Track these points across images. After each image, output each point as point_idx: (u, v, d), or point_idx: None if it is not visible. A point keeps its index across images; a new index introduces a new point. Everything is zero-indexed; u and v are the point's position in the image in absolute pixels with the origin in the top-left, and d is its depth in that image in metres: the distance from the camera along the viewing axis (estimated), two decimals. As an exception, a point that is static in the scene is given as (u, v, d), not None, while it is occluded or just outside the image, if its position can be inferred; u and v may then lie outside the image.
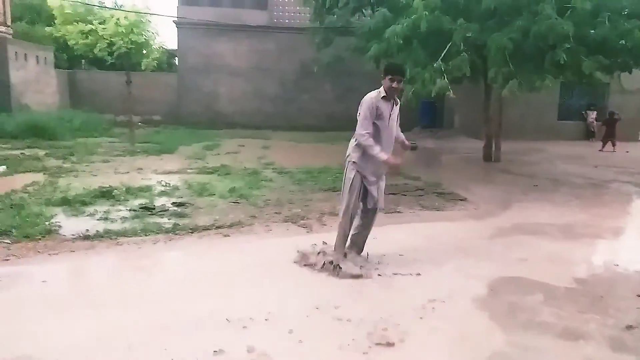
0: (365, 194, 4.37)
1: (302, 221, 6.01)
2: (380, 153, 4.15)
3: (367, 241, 4.61)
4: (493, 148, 12.09)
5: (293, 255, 4.61)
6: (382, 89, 4.24)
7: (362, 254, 4.59)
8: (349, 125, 21.21)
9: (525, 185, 8.88)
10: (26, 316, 3.37)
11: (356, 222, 4.50)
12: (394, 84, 4.17)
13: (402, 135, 4.63)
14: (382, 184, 4.48)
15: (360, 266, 4.34)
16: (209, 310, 3.45)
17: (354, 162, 4.31)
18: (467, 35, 8.97)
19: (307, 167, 9.91)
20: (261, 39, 20.73)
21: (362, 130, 4.18)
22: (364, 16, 13.89)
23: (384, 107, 4.23)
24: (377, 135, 4.22)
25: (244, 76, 20.76)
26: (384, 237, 5.16)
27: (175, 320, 3.30)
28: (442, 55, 9.03)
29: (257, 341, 3.05)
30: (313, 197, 7.32)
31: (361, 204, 4.43)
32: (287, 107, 20.92)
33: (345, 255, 4.38)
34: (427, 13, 8.79)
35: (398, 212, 6.65)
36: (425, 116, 19.87)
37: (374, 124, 4.21)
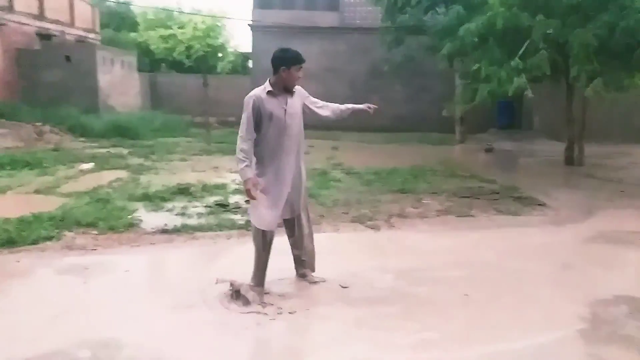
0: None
1: (369, 222, 5.98)
2: (243, 170, 3.49)
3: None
4: (576, 151, 11.42)
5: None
6: (267, 83, 3.63)
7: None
8: (420, 125, 21.06)
9: (611, 191, 8.30)
10: (112, 302, 3.61)
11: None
12: (300, 73, 3.63)
13: (339, 106, 4.08)
14: (296, 189, 3.77)
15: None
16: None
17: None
18: (547, 31, 8.56)
19: (375, 168, 9.85)
20: (332, 40, 20.86)
21: (240, 142, 3.53)
22: (437, 14, 13.59)
23: (274, 104, 3.57)
24: (273, 140, 3.59)
25: (315, 77, 20.90)
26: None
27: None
28: (520, 53, 8.66)
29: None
30: (381, 198, 7.26)
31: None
32: (357, 108, 20.89)
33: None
34: (503, 10, 8.48)
35: (471, 216, 6.45)
36: (502, 117, 19.13)
37: (264, 126, 3.57)
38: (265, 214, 3.63)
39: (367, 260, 4.70)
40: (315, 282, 3.96)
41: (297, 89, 3.75)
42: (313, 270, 4.04)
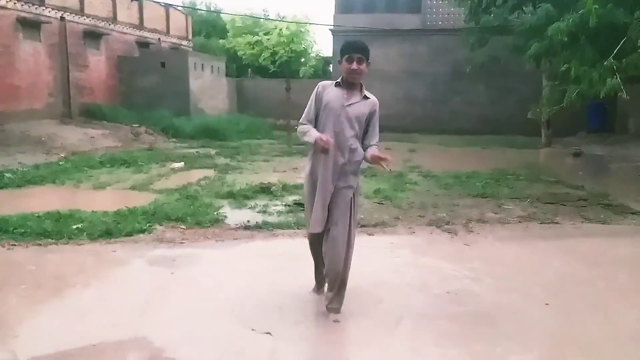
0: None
1: (446, 226, 5.92)
2: (315, 132, 3.24)
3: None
4: (677, 156, 10.53)
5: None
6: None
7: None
8: (504, 128, 20.40)
9: None
10: (196, 292, 3.90)
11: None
12: (353, 65, 3.25)
13: (374, 146, 3.40)
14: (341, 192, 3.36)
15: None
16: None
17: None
18: (646, 28, 7.99)
19: (455, 171, 9.68)
20: (413, 42, 20.67)
21: (301, 119, 3.40)
22: (524, 13, 13.10)
23: (336, 94, 3.32)
24: (319, 130, 3.31)
25: (394, 80, 20.87)
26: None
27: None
28: (615, 52, 8.15)
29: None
30: (460, 203, 7.15)
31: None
32: (437, 110, 20.55)
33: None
34: (597, 7, 8.02)
35: (555, 223, 6.18)
36: (593, 120, 17.92)
37: (322, 115, 3.35)
38: (308, 216, 3.48)
39: (443, 264, 4.68)
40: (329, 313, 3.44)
41: (372, 100, 3.40)
42: (333, 308, 3.44)
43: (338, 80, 3.39)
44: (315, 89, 3.43)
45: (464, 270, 4.47)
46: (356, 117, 3.31)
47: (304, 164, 3.57)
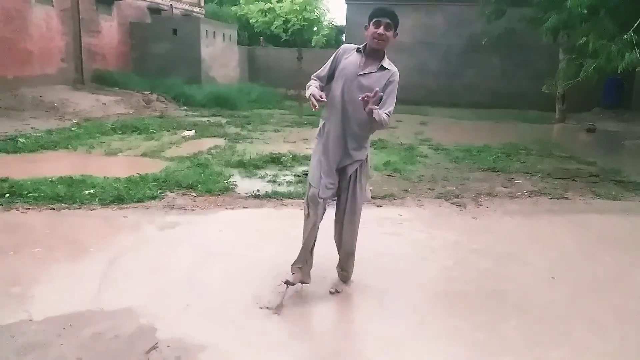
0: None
1: (455, 199, 5.92)
2: (311, 88, 3.11)
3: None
4: (694, 134, 10.36)
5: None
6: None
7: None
8: (518, 102, 20.13)
9: None
10: (205, 257, 3.97)
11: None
12: (380, 29, 3.11)
13: (381, 113, 3.07)
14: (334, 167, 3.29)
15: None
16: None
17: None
18: (671, 1, 7.77)
19: (466, 145, 9.62)
20: (428, 13, 20.23)
21: (314, 75, 3.30)
22: (544, -16, 12.74)
23: (354, 60, 3.21)
24: (331, 96, 3.21)
25: (408, 51, 20.51)
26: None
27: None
28: (635, 26, 7.94)
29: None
30: (470, 176, 7.13)
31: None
32: (450, 82, 20.25)
33: None
34: (619, -22, 7.79)
35: (565, 198, 6.16)
36: (609, 95, 17.59)
37: (336, 79, 3.24)
38: (314, 176, 3.31)
39: (450, 236, 4.71)
40: (332, 292, 3.44)
41: (392, 71, 3.24)
42: (343, 278, 3.54)
43: (360, 46, 3.25)
44: (337, 50, 3.32)
45: (471, 244, 4.50)
46: (368, 87, 3.08)
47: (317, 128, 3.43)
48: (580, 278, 3.84)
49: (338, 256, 3.53)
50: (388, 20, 3.14)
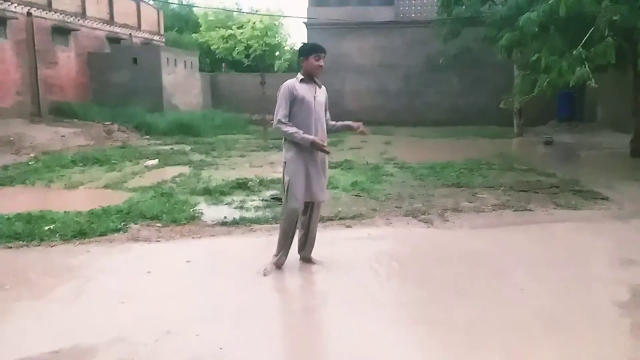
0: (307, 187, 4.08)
1: (423, 216, 5.99)
2: (304, 135, 3.94)
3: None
4: (643, 143, 10.82)
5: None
6: (299, 74, 4.13)
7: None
8: (477, 118, 20.59)
9: (682, 185, 7.84)
10: (173, 290, 3.86)
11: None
12: (321, 62, 4.07)
13: (331, 122, 4.39)
14: (324, 174, 4.21)
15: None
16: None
17: (285, 162, 4.11)
18: (614, 18, 8.15)
19: (430, 162, 9.78)
20: (387, 35, 20.73)
21: (278, 117, 4.01)
22: (495, 4, 13.25)
23: (305, 90, 4.06)
24: (302, 121, 4.01)
25: (369, 73, 20.93)
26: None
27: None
28: (583, 41, 8.31)
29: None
30: (435, 193, 7.23)
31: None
32: (411, 102, 20.70)
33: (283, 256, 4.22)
34: (566, -4, 8.15)
35: (528, 210, 6.30)
36: (563, 109, 18.32)
37: (295, 109, 4.02)
38: (299, 193, 4.03)
39: (418, 252, 4.73)
40: (316, 263, 4.34)
41: (324, 88, 4.26)
42: (310, 253, 4.41)
43: (302, 77, 4.08)
44: (285, 89, 4.03)
45: (437, 257, 4.54)
46: (322, 103, 4.19)
47: (284, 153, 4.13)
48: (548, 287, 3.89)
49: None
50: (324, 54, 4.09)
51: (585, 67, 8.10)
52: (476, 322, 3.31)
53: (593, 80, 8.17)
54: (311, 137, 3.96)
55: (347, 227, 5.55)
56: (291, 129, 3.97)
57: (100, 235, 5.13)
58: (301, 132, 3.96)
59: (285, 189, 4.09)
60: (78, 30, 17.68)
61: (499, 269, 4.31)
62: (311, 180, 4.05)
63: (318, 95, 4.13)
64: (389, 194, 7.09)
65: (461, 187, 7.63)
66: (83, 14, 18.18)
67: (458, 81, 20.06)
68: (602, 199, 6.84)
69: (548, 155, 12.13)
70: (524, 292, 3.79)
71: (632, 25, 8.23)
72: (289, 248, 4.24)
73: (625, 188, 7.55)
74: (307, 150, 4.01)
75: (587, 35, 8.35)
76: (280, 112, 4.00)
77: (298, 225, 4.19)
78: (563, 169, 9.41)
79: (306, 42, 4.17)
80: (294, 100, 4.01)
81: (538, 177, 8.42)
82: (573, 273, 4.21)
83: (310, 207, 4.22)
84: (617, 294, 3.74)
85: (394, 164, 9.94)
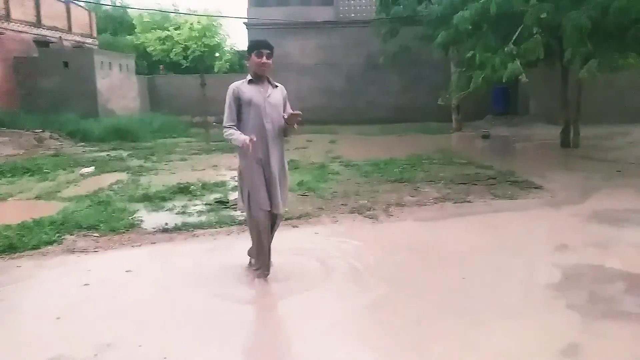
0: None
1: (368, 212, 6.04)
2: (239, 136, 3.64)
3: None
4: (571, 133, 11.46)
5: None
6: (248, 74, 3.86)
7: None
8: (418, 115, 21.08)
9: (607, 171, 8.35)
10: (113, 302, 3.68)
11: None
12: (264, 59, 3.75)
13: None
14: (283, 182, 3.92)
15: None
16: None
17: (239, 171, 3.90)
18: (541, 16, 8.57)
19: (373, 159, 9.91)
20: (328, 35, 20.86)
21: (225, 123, 3.78)
22: (431, 4, 13.62)
23: (253, 91, 3.76)
24: (253, 125, 3.73)
25: (313, 73, 20.97)
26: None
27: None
28: (514, 38, 8.68)
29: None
30: (379, 189, 7.32)
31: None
32: (354, 100, 20.92)
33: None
34: (496, -5, 8.49)
35: (468, 201, 6.50)
36: (498, 103, 19.14)
37: (244, 112, 3.76)
38: (260, 197, 3.78)
39: (361, 246, 4.76)
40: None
41: (281, 87, 3.97)
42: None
43: (250, 78, 3.81)
44: (230, 92, 3.77)
45: (379, 251, 4.61)
46: (276, 104, 3.84)
47: (239, 161, 3.88)
48: (490, 275, 4.01)
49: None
50: (268, 51, 3.79)
51: (516, 62, 8.47)
52: (426, 312, 3.36)
53: (524, 75, 8.56)
54: (243, 137, 3.62)
55: (294, 227, 5.50)
56: (229, 133, 3.72)
57: (33, 248, 4.83)
58: (237, 133, 3.69)
59: (245, 200, 3.82)
60: (2, 34, 16.67)
61: (441, 258, 4.41)
62: (270, 188, 3.79)
63: (271, 96, 3.81)
64: (335, 192, 7.11)
65: (404, 182, 7.77)
66: (7, 17, 17.16)
67: (399, 79, 20.47)
68: (536, 188, 7.17)
69: (485, 149, 12.61)
70: (466, 281, 3.89)
71: (558, 22, 8.67)
72: (269, 258, 3.96)
73: (557, 177, 7.95)
74: (260, 154, 3.74)
75: (517, 32, 8.74)
76: (225, 116, 3.78)
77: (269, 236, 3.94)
78: (500, 161, 9.79)
79: (253, 39, 4.08)
80: (241, 103, 3.74)
81: (476, 170, 8.71)
82: (511, 259, 4.36)
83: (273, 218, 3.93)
84: (553, 277, 3.91)
85: (340, 162, 10.00)
